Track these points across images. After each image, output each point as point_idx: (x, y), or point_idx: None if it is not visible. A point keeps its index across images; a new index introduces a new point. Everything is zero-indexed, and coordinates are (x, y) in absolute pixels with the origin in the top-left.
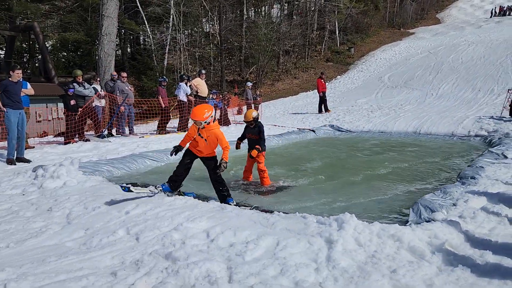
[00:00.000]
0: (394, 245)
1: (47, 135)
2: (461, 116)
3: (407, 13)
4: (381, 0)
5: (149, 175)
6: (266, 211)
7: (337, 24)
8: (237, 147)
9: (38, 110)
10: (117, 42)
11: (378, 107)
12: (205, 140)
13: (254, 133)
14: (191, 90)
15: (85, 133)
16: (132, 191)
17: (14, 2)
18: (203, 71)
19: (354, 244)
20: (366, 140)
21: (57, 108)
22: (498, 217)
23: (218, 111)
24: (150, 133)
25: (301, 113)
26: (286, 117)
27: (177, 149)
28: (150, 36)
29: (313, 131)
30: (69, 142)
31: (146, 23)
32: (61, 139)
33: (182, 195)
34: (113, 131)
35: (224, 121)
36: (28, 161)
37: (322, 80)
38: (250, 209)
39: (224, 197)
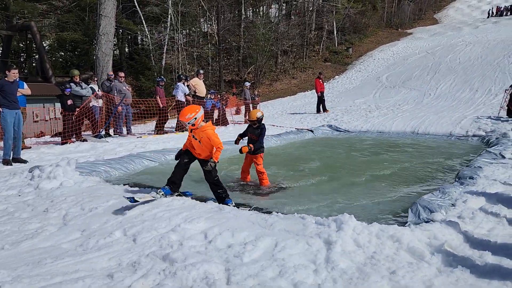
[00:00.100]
0: (393, 246)
1: (44, 135)
2: (459, 116)
3: (405, 13)
4: (379, 0)
5: (147, 175)
6: (264, 212)
7: (335, 24)
8: (236, 142)
9: (35, 110)
10: (114, 42)
11: (376, 107)
12: (199, 141)
13: (255, 133)
14: (189, 90)
15: (82, 133)
16: (138, 201)
17: (11, 2)
18: (201, 71)
19: (353, 245)
20: (364, 140)
21: (54, 108)
22: (497, 217)
23: (216, 111)
24: (148, 133)
25: (299, 113)
26: (284, 117)
27: (179, 154)
28: (148, 36)
29: (311, 131)
30: (66, 143)
31: (144, 22)
32: (58, 139)
33: (181, 195)
34: (111, 131)
35: (222, 121)
36: (24, 161)
37: (320, 80)
38: (249, 210)
39: (222, 199)
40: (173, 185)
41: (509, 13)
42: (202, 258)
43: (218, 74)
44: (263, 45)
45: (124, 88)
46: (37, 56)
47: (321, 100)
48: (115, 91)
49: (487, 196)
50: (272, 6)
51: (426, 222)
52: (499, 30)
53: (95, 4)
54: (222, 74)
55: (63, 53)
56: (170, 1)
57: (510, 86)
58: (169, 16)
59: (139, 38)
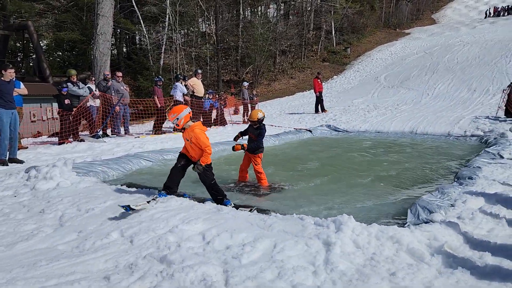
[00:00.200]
0: (393, 247)
1: (41, 135)
2: (457, 116)
3: (402, 14)
4: (377, 0)
5: (145, 175)
6: (263, 212)
7: (333, 24)
8: (235, 139)
9: (32, 110)
10: (112, 42)
11: (374, 107)
12: (190, 142)
13: (254, 133)
14: (187, 90)
15: (80, 133)
16: (134, 209)
17: (8, 1)
18: (200, 71)
19: (353, 246)
20: (363, 140)
21: (51, 108)
22: (496, 218)
23: (215, 111)
24: (146, 133)
25: (297, 113)
26: (283, 117)
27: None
28: (146, 35)
29: (310, 131)
30: (63, 143)
31: (142, 22)
32: (55, 139)
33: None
34: (108, 131)
35: (220, 121)
36: (21, 161)
37: (319, 80)
38: (249, 210)
39: (220, 202)
40: (170, 190)
41: (506, 14)
42: (200, 259)
43: (217, 74)
44: (262, 45)
45: (121, 88)
46: (34, 56)
47: (319, 100)
48: (113, 91)
49: (486, 196)
50: (270, 6)
51: (426, 222)
52: (496, 30)
53: (92, 4)
54: (220, 74)
55: (60, 53)
56: (168, 1)
57: (507, 86)
58: (167, 16)
59: (137, 37)
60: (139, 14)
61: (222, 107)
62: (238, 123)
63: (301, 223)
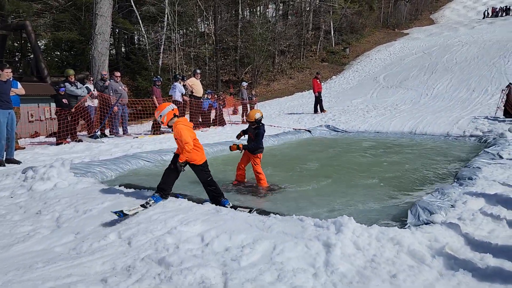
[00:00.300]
0: (393, 248)
1: (39, 136)
2: (456, 116)
3: (401, 14)
4: (375, 0)
5: (143, 176)
6: (262, 213)
7: (332, 24)
8: (237, 137)
9: (30, 110)
10: (111, 42)
11: (373, 107)
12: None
13: (253, 133)
14: (185, 90)
15: (78, 133)
16: (128, 214)
17: (6, 1)
18: (198, 71)
19: (353, 248)
20: (363, 141)
21: (49, 108)
22: (497, 219)
23: (214, 111)
24: (145, 134)
25: (296, 113)
26: (282, 117)
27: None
28: (145, 35)
29: (309, 131)
30: (61, 143)
31: (141, 22)
32: (53, 139)
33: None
34: (106, 132)
35: (219, 121)
36: (18, 162)
37: (318, 80)
38: (249, 211)
39: (217, 200)
40: (163, 192)
41: (504, 14)
42: (198, 262)
43: (215, 74)
44: (260, 45)
45: (120, 88)
46: (32, 56)
47: (318, 100)
48: (111, 91)
49: (487, 197)
50: (269, 6)
51: (426, 224)
52: (495, 31)
53: (91, 4)
54: (219, 74)
55: (58, 53)
56: (166, 1)
57: (506, 86)
58: (166, 16)
59: (135, 37)
60: (137, 14)
61: (221, 107)
62: (237, 123)
63: (300, 224)
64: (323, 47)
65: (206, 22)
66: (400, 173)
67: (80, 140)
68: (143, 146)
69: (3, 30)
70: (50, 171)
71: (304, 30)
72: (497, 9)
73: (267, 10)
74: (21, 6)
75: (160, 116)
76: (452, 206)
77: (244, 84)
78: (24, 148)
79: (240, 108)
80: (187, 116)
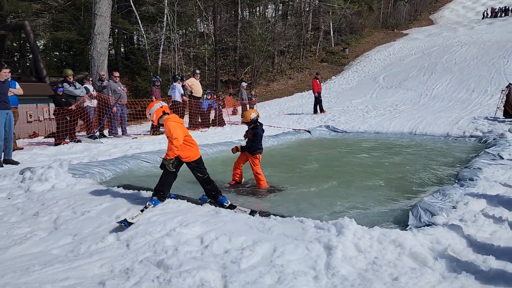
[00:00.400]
0: (395, 251)
1: (37, 136)
2: (456, 117)
3: (400, 14)
4: (375, 1)
5: (142, 177)
6: (262, 215)
7: (331, 25)
8: (244, 137)
9: (29, 110)
10: (110, 42)
11: (373, 107)
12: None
13: (251, 134)
14: (184, 91)
15: (77, 134)
16: (133, 222)
17: (5, 1)
18: (198, 71)
19: (354, 250)
20: (362, 141)
21: (48, 108)
22: (499, 220)
23: (213, 112)
24: (144, 134)
25: (296, 114)
26: (282, 117)
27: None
28: (144, 35)
29: (309, 131)
30: (59, 143)
31: (140, 22)
32: (52, 140)
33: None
34: (105, 132)
35: (219, 121)
36: (16, 163)
37: (317, 81)
38: (250, 213)
39: (215, 197)
40: (161, 195)
41: (503, 14)
42: (198, 264)
43: (215, 75)
44: (260, 45)
45: (119, 88)
46: (31, 56)
47: (318, 101)
48: (110, 91)
49: (488, 198)
50: (269, 6)
51: (428, 225)
52: (494, 31)
53: (90, 3)
54: (218, 75)
55: (58, 53)
56: (166, 1)
57: (506, 87)
58: (165, 16)
59: (135, 38)
60: (137, 14)
61: (220, 107)
62: (236, 124)
63: (301, 226)
64: (323, 48)
65: (206, 22)
66: (401, 174)
67: (79, 141)
68: (142, 147)
69: (2, 30)
70: (48, 172)
71: (304, 31)
72: (496, 10)
73: (267, 10)
74: (20, 6)
75: (150, 114)
76: (454, 207)
77: (244, 84)
78: (22, 148)
79: (239, 108)
80: (186, 117)
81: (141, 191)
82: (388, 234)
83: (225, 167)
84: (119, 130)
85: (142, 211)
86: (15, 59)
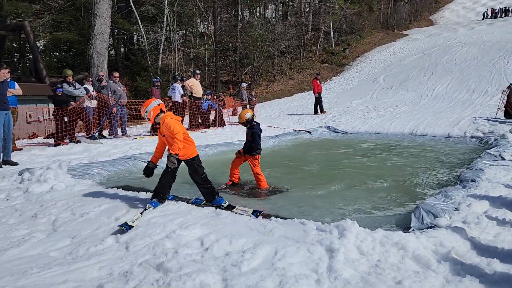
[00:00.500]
0: (398, 253)
1: (37, 137)
2: (457, 117)
3: (400, 15)
4: (375, 1)
5: (142, 178)
6: (263, 216)
7: (331, 25)
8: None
9: (28, 110)
10: (110, 42)
11: (373, 108)
12: (167, 137)
13: (249, 134)
14: (184, 91)
15: (76, 134)
16: (133, 225)
17: (5, 1)
18: (198, 72)
19: (357, 253)
20: (363, 142)
21: (48, 108)
22: (502, 222)
23: (213, 112)
24: (143, 135)
25: (296, 114)
26: (282, 118)
27: (148, 169)
28: (144, 36)
29: (309, 132)
30: (59, 144)
31: (140, 23)
32: (51, 140)
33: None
34: (105, 133)
35: (219, 122)
36: (15, 163)
37: (318, 81)
38: (253, 214)
39: (212, 198)
40: (160, 197)
41: (503, 15)
42: (198, 267)
43: (215, 75)
44: (260, 45)
45: (118, 88)
46: (30, 56)
47: (318, 101)
48: (110, 92)
49: (491, 199)
50: (269, 6)
51: (430, 227)
52: (494, 32)
53: (90, 4)
54: (219, 75)
55: (57, 53)
56: (166, 1)
57: (507, 87)
58: (165, 16)
59: (135, 38)
60: (137, 15)
61: (220, 108)
62: (236, 124)
63: (302, 228)
64: (323, 48)
65: (206, 23)
66: (402, 175)
67: (79, 141)
68: (142, 147)
69: (2, 30)
70: (47, 173)
71: (304, 31)
72: (497, 10)
73: (267, 10)
74: (20, 6)
75: (146, 112)
76: (456, 209)
77: (244, 84)
78: (22, 149)
79: (240, 109)
80: (186, 117)
81: (140, 192)
82: (391, 237)
83: (225, 168)
84: (119, 131)
85: (142, 213)
86: (15, 59)
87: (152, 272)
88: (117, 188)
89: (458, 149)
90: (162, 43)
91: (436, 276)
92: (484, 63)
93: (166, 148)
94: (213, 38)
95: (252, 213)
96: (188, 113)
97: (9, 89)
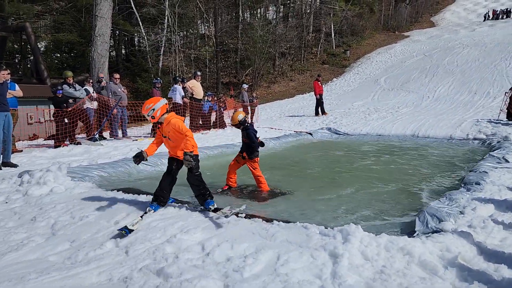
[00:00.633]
0: (403, 259)
1: (37, 138)
2: (459, 119)
3: (401, 16)
4: (376, 3)
5: (142, 180)
6: (265, 220)
7: (332, 27)
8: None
9: (29, 112)
10: (111, 44)
11: (375, 109)
12: (169, 138)
13: (245, 136)
14: (185, 93)
15: (77, 136)
16: (133, 229)
17: (6, 3)
18: (199, 73)
19: (361, 258)
20: (365, 144)
21: (49, 110)
22: (509, 226)
23: (214, 114)
24: (144, 136)
25: (297, 116)
26: (283, 119)
27: (139, 156)
28: (145, 37)
29: (310, 134)
30: (59, 146)
31: (141, 24)
32: (52, 142)
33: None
34: (105, 134)
35: (220, 123)
36: (15, 165)
37: (319, 83)
38: (224, 217)
39: (204, 199)
40: (161, 200)
41: (505, 16)
42: (199, 272)
43: (216, 76)
44: (261, 47)
45: (119, 90)
46: (32, 57)
47: (319, 103)
48: (110, 93)
49: (496, 203)
50: (270, 8)
51: (436, 232)
52: (495, 33)
53: (91, 5)
54: (219, 76)
55: (58, 55)
56: (167, 3)
57: (510, 89)
58: (166, 18)
59: (135, 39)
60: (137, 16)
61: (221, 109)
62: None
63: (305, 233)
64: (324, 49)
65: (207, 24)
66: (405, 177)
67: (79, 143)
68: (142, 149)
69: (3, 31)
70: (47, 175)
71: (305, 32)
72: (498, 12)
73: (268, 12)
74: (22, 8)
75: (153, 109)
76: (461, 212)
77: (245, 86)
78: (22, 151)
79: (240, 110)
80: (187, 119)
81: (141, 195)
82: (396, 242)
83: (225, 170)
84: (120, 132)
85: (142, 216)
86: (16, 60)
87: (152, 277)
88: (117, 191)
89: (461, 151)
90: (163, 45)
91: (443, 282)
92: (486, 64)
93: (167, 149)
94: (214, 40)
95: (225, 217)
96: (188, 114)
97: (9, 91)
